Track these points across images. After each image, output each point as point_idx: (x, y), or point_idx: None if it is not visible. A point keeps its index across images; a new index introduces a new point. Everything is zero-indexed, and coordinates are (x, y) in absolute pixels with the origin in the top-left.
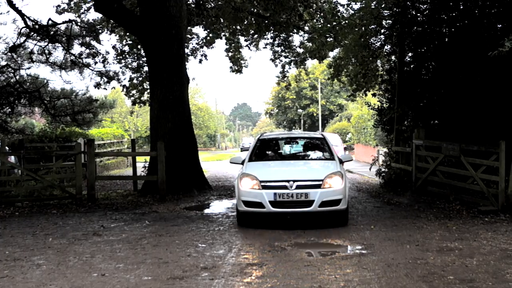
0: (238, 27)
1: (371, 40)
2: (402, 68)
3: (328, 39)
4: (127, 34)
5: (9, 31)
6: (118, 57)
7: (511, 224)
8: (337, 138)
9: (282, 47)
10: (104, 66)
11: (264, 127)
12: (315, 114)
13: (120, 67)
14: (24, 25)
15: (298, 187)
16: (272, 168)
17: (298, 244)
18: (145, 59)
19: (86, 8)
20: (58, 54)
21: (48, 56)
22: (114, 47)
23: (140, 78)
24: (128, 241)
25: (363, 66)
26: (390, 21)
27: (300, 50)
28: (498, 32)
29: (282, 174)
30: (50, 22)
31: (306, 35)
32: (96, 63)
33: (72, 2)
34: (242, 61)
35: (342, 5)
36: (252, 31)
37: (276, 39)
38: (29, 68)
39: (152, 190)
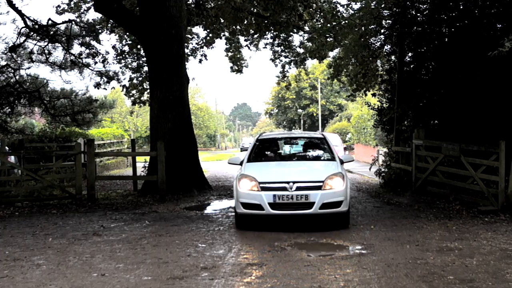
0: (238, 27)
1: (371, 40)
2: (402, 68)
3: (328, 39)
4: (127, 34)
5: (9, 31)
6: (118, 57)
7: (511, 224)
8: (337, 138)
9: (282, 47)
10: (104, 66)
11: (264, 127)
12: (315, 114)
13: (120, 67)
14: (24, 25)
15: (298, 188)
16: (272, 169)
17: (298, 244)
18: (145, 59)
19: (85, 8)
20: (58, 54)
21: (48, 56)
22: (114, 47)
23: (140, 78)
24: (128, 241)
25: (363, 66)
26: (390, 21)
27: (300, 50)
28: (498, 32)
29: (281, 175)
30: (50, 22)
31: (306, 35)
32: (96, 63)
33: (72, 2)
34: (242, 61)
35: (342, 5)
36: (252, 31)
37: (276, 39)
38: (29, 68)
39: (152, 190)
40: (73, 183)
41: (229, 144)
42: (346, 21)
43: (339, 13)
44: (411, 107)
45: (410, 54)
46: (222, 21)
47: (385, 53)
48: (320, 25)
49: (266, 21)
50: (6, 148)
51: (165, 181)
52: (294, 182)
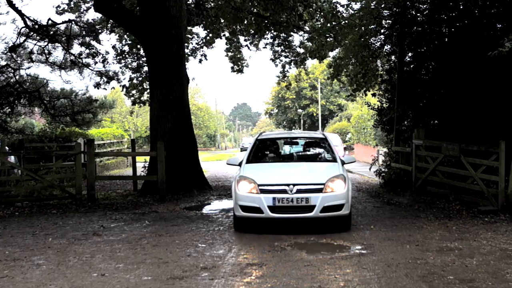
0: (238, 27)
1: (371, 40)
2: (402, 68)
3: (328, 39)
4: (127, 34)
5: (8, 31)
6: (118, 57)
7: (511, 224)
8: (337, 138)
9: (282, 47)
10: (103, 66)
11: (264, 127)
12: (315, 114)
13: (120, 67)
14: (24, 25)
15: (298, 191)
16: (271, 171)
17: (298, 244)
18: (145, 59)
19: (85, 8)
20: (58, 54)
21: (47, 56)
22: (114, 47)
23: (140, 78)
24: (128, 241)
25: (363, 66)
26: (390, 21)
27: (300, 50)
28: (498, 32)
29: (281, 177)
30: (49, 22)
31: (306, 35)
32: (96, 63)
33: (72, 2)
34: (242, 61)
35: (342, 6)
36: (252, 31)
37: (276, 39)
38: (29, 68)
39: (152, 190)
40: (73, 183)
41: (229, 144)
42: (346, 21)
43: (339, 13)
44: (411, 107)
45: (410, 54)
46: (222, 21)
47: (385, 53)
48: (320, 25)
49: (266, 21)
50: (6, 148)
51: (165, 181)
52: (294, 185)
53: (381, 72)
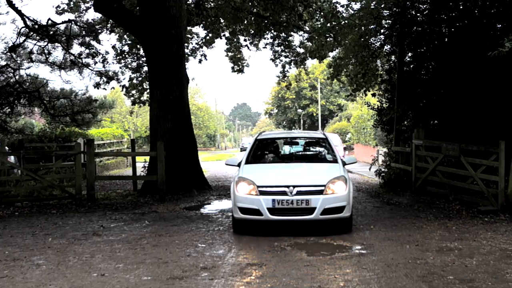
0: (238, 27)
1: (371, 40)
2: (402, 68)
3: (328, 39)
4: (127, 33)
5: (8, 31)
6: (118, 57)
7: (510, 224)
8: (337, 138)
9: (282, 47)
10: (103, 66)
11: (263, 127)
12: (314, 114)
13: (120, 67)
14: (24, 25)
15: (298, 193)
16: (271, 172)
17: (297, 244)
18: (144, 59)
19: (85, 8)
20: (58, 54)
21: (47, 56)
22: (113, 47)
23: (140, 78)
24: (127, 241)
25: (363, 66)
26: (389, 21)
27: (300, 50)
28: (498, 32)
29: (281, 179)
30: (49, 22)
31: (306, 35)
32: (95, 63)
33: (71, 2)
34: (242, 61)
35: (342, 6)
36: (252, 31)
37: (276, 39)
38: (28, 68)
39: (151, 190)
40: (73, 183)
41: (229, 144)
42: (346, 21)
43: (338, 13)
44: (411, 107)
45: (410, 54)
46: (222, 21)
47: (385, 53)
48: (320, 25)
49: (266, 21)
50: (6, 148)
51: (164, 181)
52: (294, 186)
53: (381, 72)
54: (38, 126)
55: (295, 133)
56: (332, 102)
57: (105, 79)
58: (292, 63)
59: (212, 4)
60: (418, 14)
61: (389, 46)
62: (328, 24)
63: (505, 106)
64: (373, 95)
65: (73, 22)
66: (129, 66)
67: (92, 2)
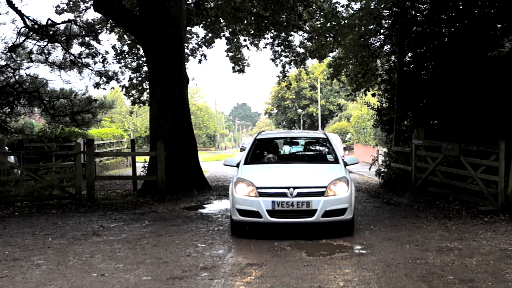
0: (238, 27)
1: (371, 40)
2: (402, 68)
3: (328, 39)
4: (127, 33)
5: (8, 31)
6: (118, 57)
7: (510, 224)
8: (337, 138)
9: (282, 47)
10: (103, 66)
11: (263, 127)
12: (314, 114)
13: (120, 67)
14: (24, 25)
15: (299, 194)
16: (270, 173)
17: (297, 244)
18: (144, 59)
19: (84, 8)
20: (58, 54)
21: (47, 56)
22: (113, 47)
23: (140, 78)
24: (127, 241)
25: (363, 66)
26: (389, 21)
27: (300, 50)
28: (498, 32)
29: (281, 180)
30: (49, 22)
31: (306, 34)
32: (95, 63)
33: (71, 2)
34: (243, 61)
35: (342, 6)
36: (252, 31)
37: (276, 39)
38: (28, 68)
39: (151, 190)
40: (73, 183)
41: (228, 144)
42: (346, 21)
43: (338, 13)
44: (411, 107)
45: (409, 54)
46: (222, 21)
47: (385, 53)
48: (319, 25)
49: (266, 21)
50: (6, 148)
51: (164, 181)
52: (294, 188)
53: (381, 72)
54: (38, 126)
55: (295, 133)
56: (332, 102)
57: (105, 79)
58: (292, 63)
59: (212, 4)
60: (418, 14)
61: (389, 46)
62: (328, 24)
63: (505, 106)
64: (373, 95)
65: (72, 22)
66: (129, 66)
67: (92, 2)
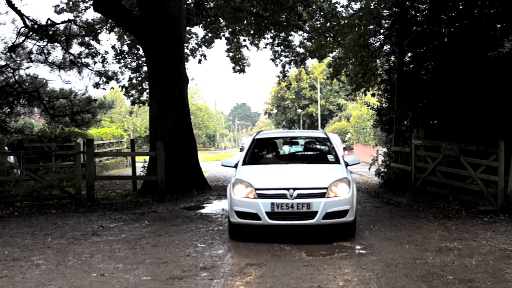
0: (238, 27)
1: (371, 40)
2: (402, 68)
3: (328, 39)
4: (126, 33)
5: (8, 31)
6: (117, 57)
7: (510, 224)
8: (337, 138)
9: (282, 47)
10: (103, 66)
11: (263, 127)
12: (314, 114)
13: (119, 67)
14: (23, 25)
15: (299, 196)
16: (270, 174)
17: (297, 244)
18: (144, 59)
19: (84, 8)
20: (57, 54)
21: (47, 56)
22: (113, 47)
23: (139, 78)
24: (127, 241)
25: (363, 66)
26: (389, 21)
27: (300, 50)
28: (498, 32)
29: (281, 181)
30: (49, 22)
31: (305, 34)
32: (95, 63)
33: (70, 2)
34: (243, 61)
35: (342, 6)
36: (252, 31)
37: (276, 39)
38: (28, 68)
39: (151, 190)
40: (73, 183)
41: (228, 144)
42: (346, 21)
43: (338, 14)
44: (411, 107)
45: (409, 54)
46: (222, 21)
47: (385, 53)
48: (319, 25)
49: (265, 21)
50: (6, 148)
51: (164, 181)
52: (294, 189)
53: (381, 72)
54: (37, 126)
55: (295, 133)
56: (332, 102)
57: (104, 79)
58: (292, 63)
59: (211, 4)
60: (418, 14)
61: (388, 46)
62: (328, 24)
63: (504, 106)
64: (373, 95)
65: (72, 22)
66: (129, 66)
67: (92, 1)
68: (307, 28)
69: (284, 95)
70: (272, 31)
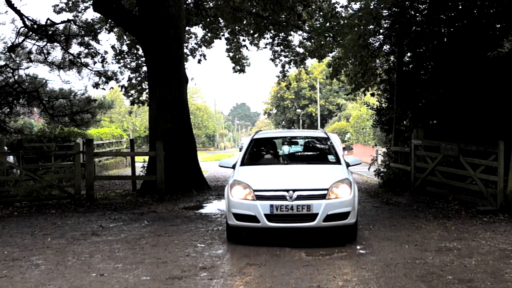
0: (237, 27)
1: (370, 40)
2: (401, 68)
3: (327, 39)
4: (126, 33)
5: (7, 31)
6: (117, 57)
7: (509, 224)
8: (336, 138)
9: (281, 47)
10: (102, 66)
11: (263, 127)
12: (314, 114)
13: (119, 67)
14: (23, 25)
15: (299, 197)
16: (268, 174)
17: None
18: (143, 59)
19: (84, 8)
20: (57, 53)
21: (46, 55)
22: (113, 47)
23: (139, 78)
24: (127, 241)
25: (362, 66)
26: (389, 21)
27: (300, 50)
28: (497, 32)
29: (280, 182)
30: (48, 21)
31: (305, 34)
32: (94, 63)
33: (70, 2)
34: (244, 61)
35: (342, 6)
36: (252, 31)
37: (276, 38)
38: (27, 68)
39: (151, 190)
40: (72, 183)
41: (228, 144)
42: (345, 21)
43: (338, 14)
44: (410, 107)
45: (409, 54)
46: (221, 21)
47: (384, 53)
48: (319, 25)
49: (265, 21)
50: (5, 148)
51: (164, 181)
52: (294, 190)
53: (380, 72)
54: (37, 126)
55: (295, 132)
56: (331, 102)
57: (104, 79)
58: (291, 63)
59: (211, 4)
60: (417, 14)
61: (388, 46)
62: (327, 24)
63: (504, 106)
64: (372, 94)
65: (72, 22)
66: (128, 66)
67: (91, 1)
68: (307, 28)
69: (284, 95)
70: (272, 31)
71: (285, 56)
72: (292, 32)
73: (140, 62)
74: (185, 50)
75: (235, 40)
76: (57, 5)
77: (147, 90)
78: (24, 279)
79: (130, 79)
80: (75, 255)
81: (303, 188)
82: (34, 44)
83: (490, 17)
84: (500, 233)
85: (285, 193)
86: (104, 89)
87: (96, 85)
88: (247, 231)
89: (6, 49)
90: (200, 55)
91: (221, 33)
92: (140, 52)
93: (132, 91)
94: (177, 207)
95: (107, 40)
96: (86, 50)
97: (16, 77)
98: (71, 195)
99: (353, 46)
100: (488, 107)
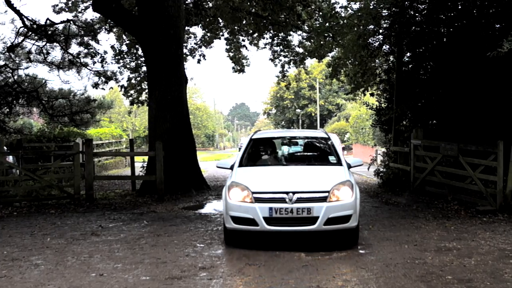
0: (237, 27)
1: (370, 40)
2: (401, 68)
3: (327, 39)
4: (126, 33)
5: (7, 31)
6: (116, 57)
7: (509, 224)
8: (336, 138)
9: (281, 47)
10: (102, 66)
11: (262, 127)
12: (313, 114)
13: (118, 67)
14: (22, 25)
15: (299, 200)
16: (267, 176)
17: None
18: (143, 59)
19: (83, 8)
20: (56, 53)
21: (46, 55)
22: (112, 47)
23: (138, 78)
24: (126, 241)
25: (362, 66)
26: (388, 21)
27: (299, 50)
28: (497, 32)
29: (279, 184)
30: (48, 21)
31: (305, 34)
32: (94, 63)
33: (70, 2)
34: (243, 60)
35: (341, 7)
36: (251, 31)
37: (275, 38)
38: (27, 68)
39: (150, 190)
40: (72, 183)
41: (227, 144)
42: (345, 21)
43: (337, 14)
44: (410, 107)
45: (408, 54)
46: (221, 21)
47: (384, 53)
48: (318, 25)
49: (264, 21)
50: (5, 148)
51: (163, 181)
52: (294, 193)
53: (380, 72)
54: (36, 126)
55: (294, 132)
56: (331, 102)
57: (103, 79)
58: (291, 63)
59: (210, 4)
60: (417, 14)
61: (387, 46)
62: (327, 24)
63: (503, 106)
64: (372, 94)
65: (71, 22)
66: (128, 66)
67: (91, 1)
68: (306, 28)
69: (283, 95)
70: (271, 31)
71: (285, 56)
72: (291, 32)
73: (139, 62)
74: (185, 50)
75: (234, 40)
76: (57, 5)
77: (146, 90)
78: (23, 279)
79: (129, 79)
80: (74, 255)
81: (303, 190)
82: (33, 44)
83: (490, 17)
84: (499, 233)
85: (284, 196)
86: (104, 89)
87: (95, 85)
88: (245, 234)
89: (6, 49)
90: (200, 55)
91: (221, 33)
92: (140, 52)
93: (132, 91)
94: (176, 207)
95: (106, 40)
96: (86, 50)
97: (15, 77)
98: (71, 195)
99: (353, 46)
100: (487, 107)
